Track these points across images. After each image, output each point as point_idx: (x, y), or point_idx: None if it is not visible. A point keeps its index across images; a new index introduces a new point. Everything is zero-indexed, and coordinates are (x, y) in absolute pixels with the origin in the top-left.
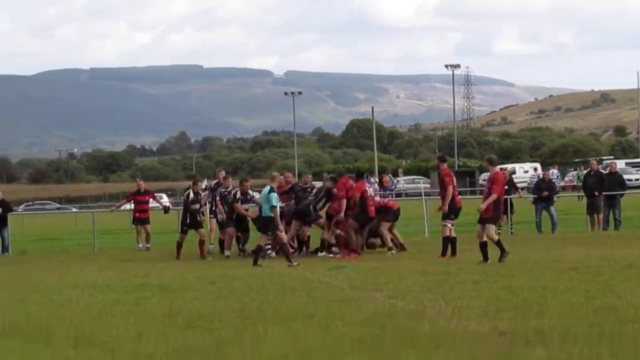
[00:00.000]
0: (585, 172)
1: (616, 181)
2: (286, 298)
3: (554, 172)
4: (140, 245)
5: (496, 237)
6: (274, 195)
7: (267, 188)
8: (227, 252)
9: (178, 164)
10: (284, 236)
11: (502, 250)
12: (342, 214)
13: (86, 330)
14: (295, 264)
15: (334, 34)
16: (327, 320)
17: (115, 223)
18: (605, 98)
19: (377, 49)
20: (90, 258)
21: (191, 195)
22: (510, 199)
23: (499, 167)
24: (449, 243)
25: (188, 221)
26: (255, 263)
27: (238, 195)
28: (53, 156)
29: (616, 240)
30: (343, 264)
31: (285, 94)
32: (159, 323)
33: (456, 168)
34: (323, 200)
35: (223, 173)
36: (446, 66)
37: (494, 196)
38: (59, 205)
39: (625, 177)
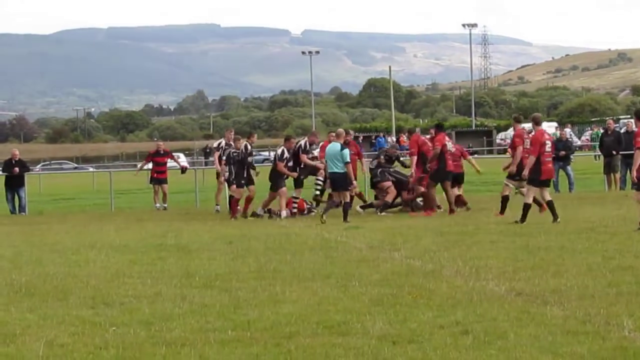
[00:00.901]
0: (602, 131)
1: (633, 140)
2: (303, 258)
3: (567, 131)
4: (158, 205)
5: (530, 200)
6: (347, 152)
7: (338, 145)
8: (260, 211)
9: (195, 123)
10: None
11: (523, 215)
12: (418, 171)
13: (103, 290)
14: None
15: None
16: (345, 280)
17: (133, 183)
18: (622, 57)
19: (395, 8)
20: (107, 218)
21: (249, 147)
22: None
23: (522, 125)
24: (505, 201)
25: (245, 175)
26: (345, 219)
27: (285, 154)
28: (71, 115)
29: (633, 200)
30: (361, 225)
31: (303, 53)
32: (176, 283)
33: (473, 127)
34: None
35: (233, 133)
36: (463, 25)
37: (532, 159)
38: (76, 165)
39: None
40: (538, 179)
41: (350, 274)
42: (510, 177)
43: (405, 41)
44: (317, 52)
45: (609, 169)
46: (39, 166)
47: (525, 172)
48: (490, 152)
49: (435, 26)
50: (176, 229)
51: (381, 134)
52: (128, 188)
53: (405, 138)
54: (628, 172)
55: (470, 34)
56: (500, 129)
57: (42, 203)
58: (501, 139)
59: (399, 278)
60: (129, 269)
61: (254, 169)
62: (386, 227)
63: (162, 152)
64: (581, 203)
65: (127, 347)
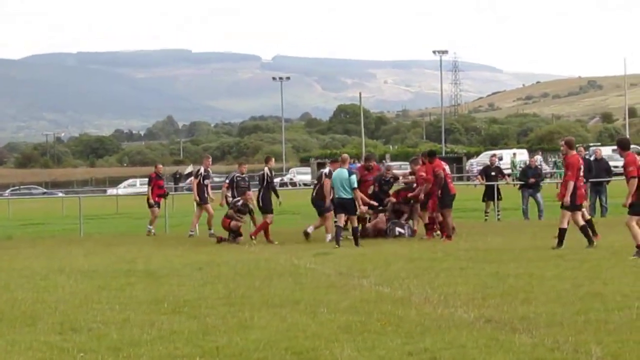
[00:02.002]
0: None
1: (602, 167)
2: (272, 284)
3: (537, 158)
4: (152, 228)
5: (565, 225)
6: (354, 178)
7: (345, 171)
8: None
9: (165, 148)
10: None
11: (559, 241)
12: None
13: (72, 316)
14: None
15: (323, 19)
16: (314, 307)
17: (102, 208)
18: (592, 85)
19: (366, 35)
20: (77, 243)
21: (272, 172)
22: (497, 185)
23: (492, 152)
24: (583, 231)
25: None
26: (356, 244)
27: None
28: (40, 140)
29: (602, 227)
30: (331, 251)
31: (274, 78)
32: (144, 309)
33: (444, 154)
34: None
35: (210, 160)
36: (434, 52)
37: (571, 184)
38: (45, 190)
39: (612, 163)
40: (574, 203)
41: (319, 301)
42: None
43: (376, 67)
44: (288, 78)
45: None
46: (8, 191)
47: (567, 199)
48: (460, 178)
49: (406, 53)
50: (145, 254)
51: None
52: (97, 213)
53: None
54: (597, 199)
55: (440, 60)
56: (470, 156)
57: (11, 228)
58: (471, 166)
59: (368, 305)
60: (97, 295)
61: (277, 195)
62: (355, 253)
63: (161, 174)
64: (550, 230)
65: None
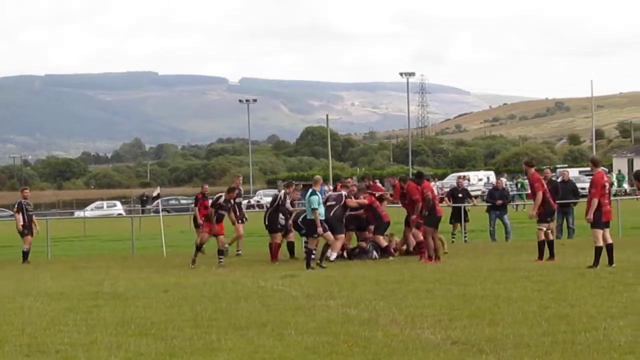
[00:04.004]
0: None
1: (569, 189)
2: (239, 306)
3: (503, 180)
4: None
5: (599, 242)
6: (315, 198)
7: (310, 191)
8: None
9: (132, 171)
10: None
11: (596, 260)
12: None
13: (39, 338)
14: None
15: (290, 41)
16: (280, 329)
17: (69, 230)
18: (559, 106)
19: (332, 57)
20: (44, 265)
21: (284, 197)
22: (464, 207)
23: (460, 173)
24: (545, 246)
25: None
26: (307, 266)
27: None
28: (7, 163)
29: (569, 249)
30: (297, 273)
31: (240, 101)
32: (111, 331)
33: (411, 176)
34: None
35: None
36: (401, 74)
37: (594, 201)
38: (12, 212)
39: (579, 185)
40: (600, 221)
41: (286, 322)
42: (541, 220)
43: (343, 89)
44: (255, 100)
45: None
46: None
47: (590, 216)
48: None
49: (372, 75)
50: (112, 276)
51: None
52: (65, 236)
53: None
54: (564, 220)
55: (407, 82)
56: (437, 177)
57: None
58: (438, 187)
59: (335, 326)
60: (64, 317)
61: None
62: (322, 275)
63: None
64: (517, 252)
65: None
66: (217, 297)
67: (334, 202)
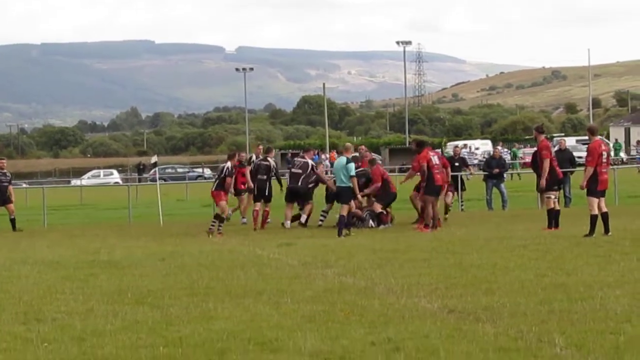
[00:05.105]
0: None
1: (566, 158)
2: (236, 275)
3: (500, 149)
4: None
5: (594, 211)
6: (352, 165)
7: (344, 159)
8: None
9: (129, 139)
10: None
11: (591, 228)
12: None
13: (35, 306)
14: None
15: (286, 10)
16: (277, 297)
17: (65, 199)
18: (556, 75)
19: (329, 26)
20: (40, 234)
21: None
22: (461, 175)
23: (456, 142)
24: (554, 215)
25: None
26: (340, 234)
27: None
28: (3, 131)
29: (566, 218)
30: (294, 242)
31: (237, 69)
32: (108, 299)
33: (407, 145)
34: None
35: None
36: (397, 43)
37: (589, 169)
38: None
39: (576, 154)
40: (596, 189)
41: (282, 291)
42: (548, 189)
43: (340, 58)
44: (251, 69)
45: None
46: None
47: (584, 183)
48: None
49: (369, 43)
50: (109, 245)
51: (317, 152)
52: (61, 204)
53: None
54: (561, 189)
55: (404, 51)
56: (434, 147)
57: None
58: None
59: (332, 295)
60: (61, 285)
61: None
62: (319, 244)
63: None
64: (514, 221)
65: None
66: (214, 266)
67: (300, 171)
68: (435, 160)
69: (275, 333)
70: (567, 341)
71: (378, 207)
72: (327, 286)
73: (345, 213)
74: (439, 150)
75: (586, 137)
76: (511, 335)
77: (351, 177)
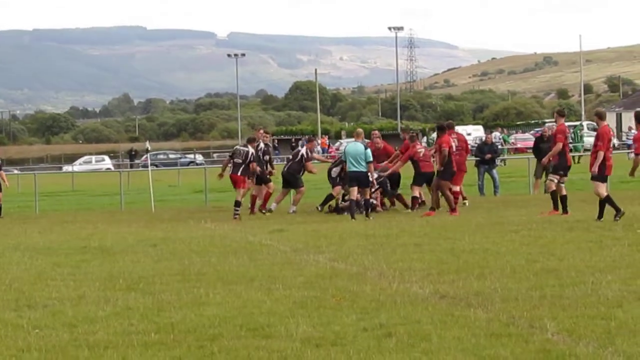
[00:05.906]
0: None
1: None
2: (228, 261)
3: (496, 135)
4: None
5: (603, 194)
6: (369, 152)
7: (361, 145)
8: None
9: (121, 125)
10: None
11: (616, 210)
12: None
13: (27, 292)
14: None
15: None
16: (269, 283)
17: (57, 185)
18: (547, 61)
19: (321, 11)
20: (32, 220)
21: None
22: None
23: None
24: (558, 199)
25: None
26: (367, 215)
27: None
28: None
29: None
30: (286, 228)
31: (229, 55)
32: (99, 286)
33: (399, 130)
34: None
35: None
36: (389, 28)
37: (600, 154)
38: None
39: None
40: (603, 175)
41: (274, 277)
42: (554, 172)
43: (332, 44)
44: (243, 55)
45: (542, 172)
46: None
47: (595, 168)
48: None
49: (361, 29)
50: (100, 231)
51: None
52: (53, 190)
53: (327, 141)
54: None
55: (396, 36)
56: (426, 133)
57: None
58: (431, 140)
59: (323, 281)
60: (52, 271)
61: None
62: (311, 230)
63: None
64: (506, 206)
65: (49, 349)
66: (206, 252)
67: (290, 157)
68: (454, 144)
69: (267, 319)
70: (558, 326)
71: (416, 191)
72: (319, 272)
73: (368, 196)
74: (462, 132)
75: (577, 123)
76: (503, 320)
77: (368, 162)
